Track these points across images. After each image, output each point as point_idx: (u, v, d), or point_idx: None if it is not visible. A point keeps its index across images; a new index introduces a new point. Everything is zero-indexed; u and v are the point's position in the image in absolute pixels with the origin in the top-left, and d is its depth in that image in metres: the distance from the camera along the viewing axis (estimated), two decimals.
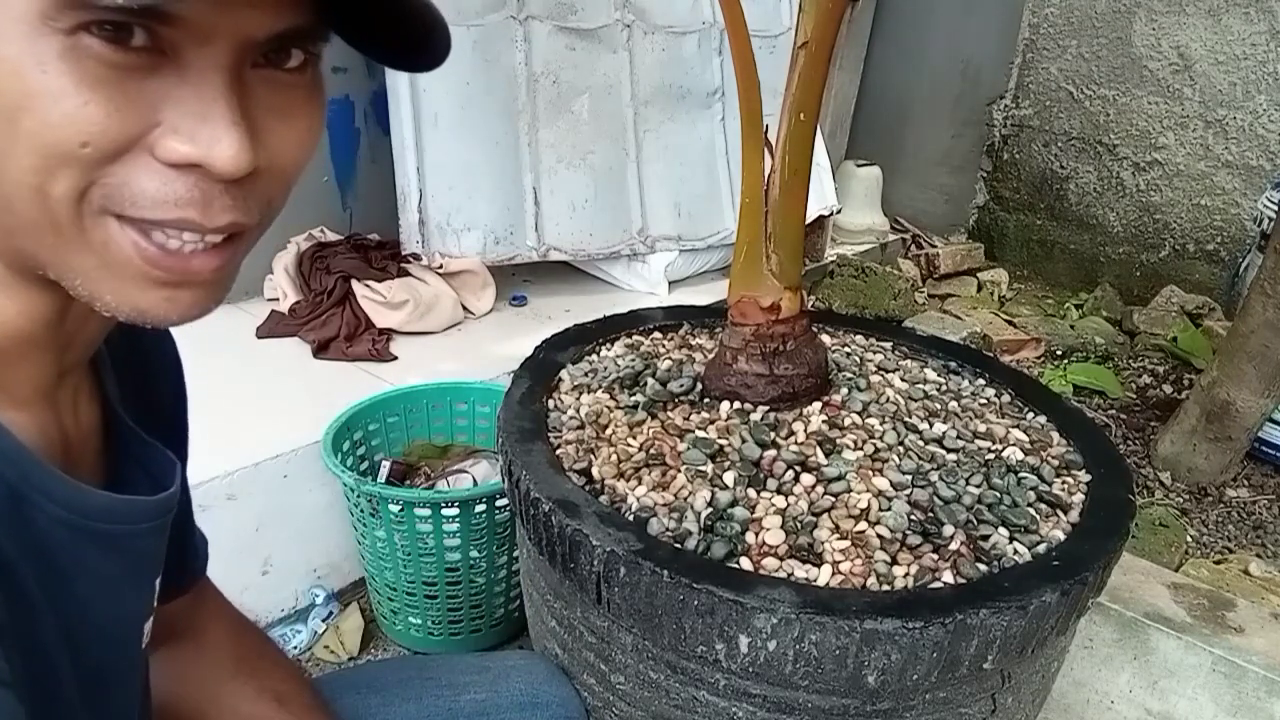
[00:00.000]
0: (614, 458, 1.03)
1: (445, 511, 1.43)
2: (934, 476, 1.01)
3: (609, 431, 1.08)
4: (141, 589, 0.59)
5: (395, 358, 1.89)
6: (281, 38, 0.43)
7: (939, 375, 1.26)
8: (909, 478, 1.00)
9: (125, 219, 0.43)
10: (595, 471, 1.00)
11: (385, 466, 1.58)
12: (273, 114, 0.45)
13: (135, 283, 0.44)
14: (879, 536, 0.92)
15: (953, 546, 0.92)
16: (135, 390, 0.62)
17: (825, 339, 1.26)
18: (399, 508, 1.42)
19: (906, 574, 0.88)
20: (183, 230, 0.44)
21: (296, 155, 0.47)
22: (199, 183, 0.42)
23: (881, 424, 1.09)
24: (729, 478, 0.99)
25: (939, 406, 1.16)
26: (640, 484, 0.99)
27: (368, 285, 1.96)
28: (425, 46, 0.47)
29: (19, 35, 0.38)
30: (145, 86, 0.41)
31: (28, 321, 0.48)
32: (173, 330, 0.68)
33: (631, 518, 0.93)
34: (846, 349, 1.28)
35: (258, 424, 1.58)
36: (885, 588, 0.87)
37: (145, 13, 0.38)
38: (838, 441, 1.05)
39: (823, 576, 0.87)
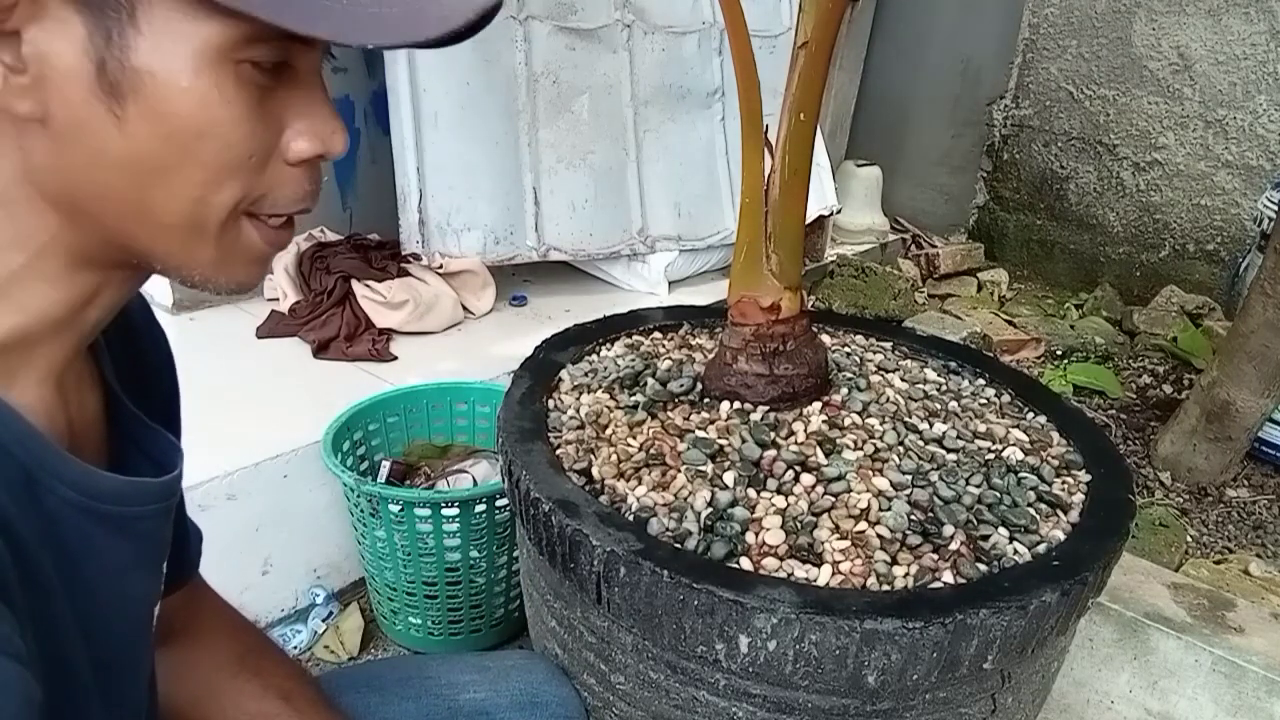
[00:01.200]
0: (614, 458, 1.03)
1: (445, 511, 1.43)
2: (934, 476, 1.01)
3: (609, 431, 1.08)
4: (150, 572, 0.60)
5: (395, 358, 1.89)
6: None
7: (939, 375, 1.26)
8: (909, 478, 1.00)
9: (259, 217, 0.49)
10: (595, 471, 1.00)
11: (385, 466, 1.58)
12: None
13: (249, 261, 0.51)
14: (879, 536, 0.92)
15: (953, 546, 0.92)
16: (132, 376, 0.63)
17: (825, 339, 1.26)
18: (399, 508, 1.42)
19: (906, 574, 0.88)
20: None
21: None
22: (315, 175, 0.50)
23: (881, 424, 1.09)
24: (729, 478, 0.99)
25: (939, 406, 1.16)
26: (640, 484, 0.99)
27: (368, 285, 1.96)
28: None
29: (203, 68, 0.43)
30: (275, 97, 0.47)
31: (59, 307, 0.50)
32: (169, 328, 0.69)
33: (631, 518, 0.93)
34: (846, 349, 1.28)
35: (258, 424, 1.58)
36: (885, 588, 0.87)
37: (306, 40, 0.44)
38: (838, 441, 1.05)
39: (823, 576, 0.87)
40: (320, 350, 1.87)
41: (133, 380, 0.62)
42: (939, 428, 1.10)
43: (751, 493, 0.97)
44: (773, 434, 1.06)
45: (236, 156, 0.45)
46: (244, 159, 0.46)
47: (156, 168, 0.44)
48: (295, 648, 1.55)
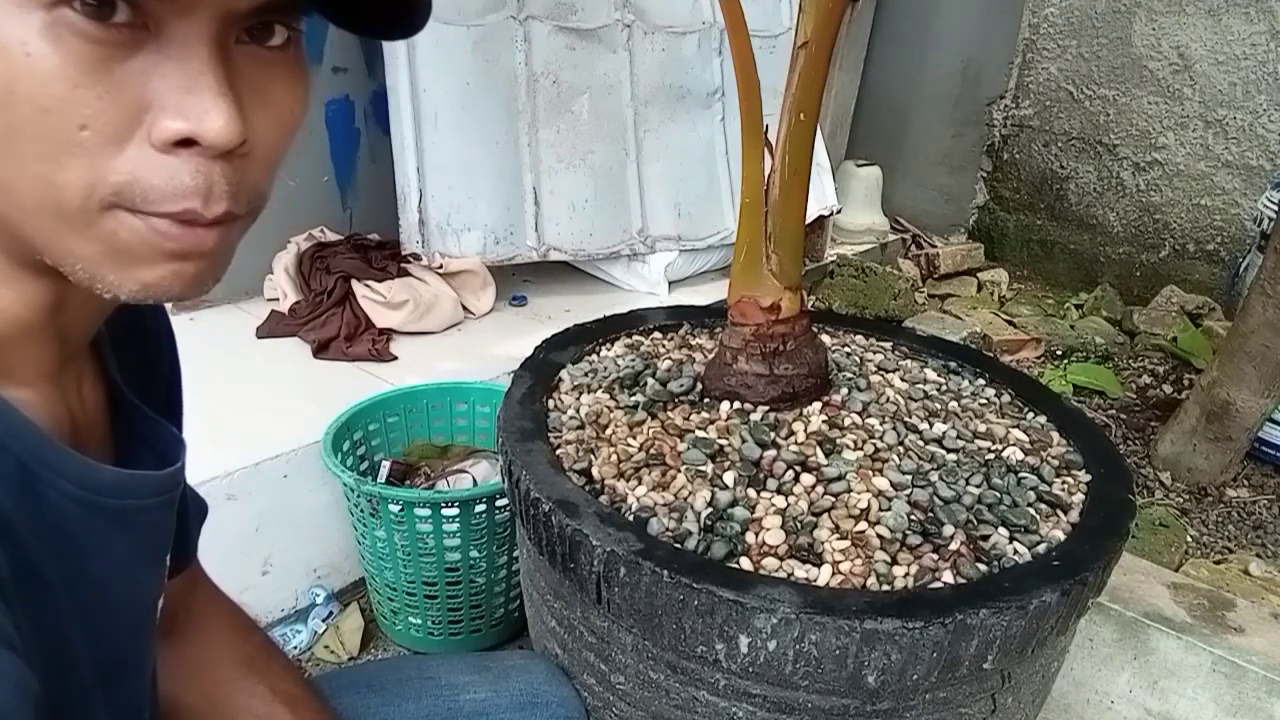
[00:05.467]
0: (614, 458, 1.03)
1: (445, 511, 1.43)
2: (934, 476, 1.01)
3: (609, 431, 1.08)
4: (153, 566, 0.59)
5: (395, 358, 1.89)
6: (263, 9, 0.43)
7: (939, 375, 1.26)
8: (909, 478, 1.00)
9: (137, 212, 0.42)
10: (595, 471, 1.00)
11: (385, 466, 1.58)
12: (257, 91, 0.44)
13: (141, 260, 0.44)
14: (879, 536, 0.92)
15: (953, 546, 0.92)
16: (136, 369, 0.62)
17: (825, 339, 1.26)
18: (399, 508, 1.42)
19: (906, 574, 0.88)
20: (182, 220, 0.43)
21: (281, 134, 0.46)
22: (199, 166, 0.42)
23: (881, 424, 1.09)
24: (729, 478, 0.99)
25: (939, 406, 1.16)
26: (640, 484, 0.99)
27: (368, 285, 1.96)
28: (407, 12, 0.46)
29: (6, 13, 0.37)
30: (130, 66, 0.40)
31: (25, 309, 0.48)
32: (174, 329, 0.68)
33: (631, 518, 0.93)
34: (846, 349, 1.28)
35: (258, 424, 1.58)
36: (885, 588, 0.87)
37: None
38: (838, 441, 1.05)
39: (823, 576, 0.87)
40: (320, 350, 1.87)
41: (137, 372, 0.62)
42: (939, 428, 1.10)
43: (751, 493, 0.97)
44: (773, 434, 1.06)
45: (59, 125, 0.39)
46: (71, 129, 0.39)
47: None
48: (295, 648, 1.55)
